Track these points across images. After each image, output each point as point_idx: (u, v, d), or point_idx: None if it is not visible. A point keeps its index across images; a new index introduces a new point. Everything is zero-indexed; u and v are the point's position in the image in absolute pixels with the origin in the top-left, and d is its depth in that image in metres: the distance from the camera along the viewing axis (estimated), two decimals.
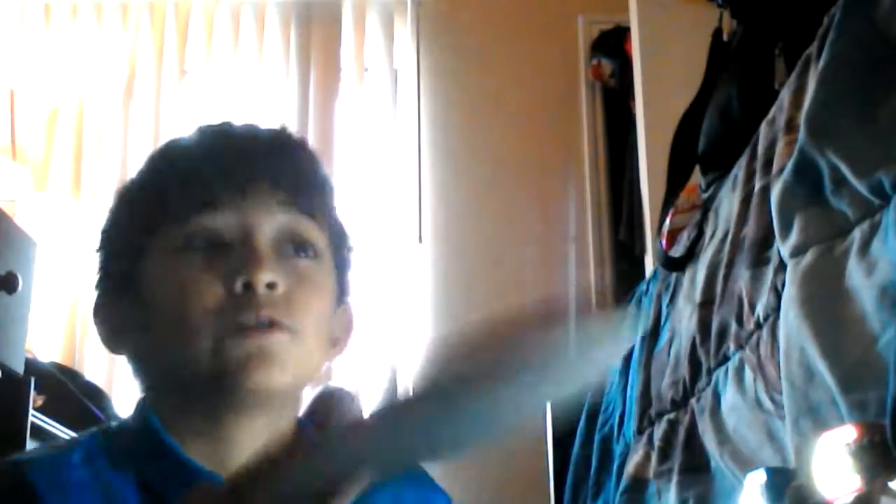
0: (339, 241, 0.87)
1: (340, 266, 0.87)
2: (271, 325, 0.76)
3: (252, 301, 0.76)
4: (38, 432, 1.49)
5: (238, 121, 0.87)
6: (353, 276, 0.90)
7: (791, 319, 0.99)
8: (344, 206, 0.91)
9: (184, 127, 3.32)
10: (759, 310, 1.12)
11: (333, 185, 0.90)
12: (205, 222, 0.79)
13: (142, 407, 0.82)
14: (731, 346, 1.20)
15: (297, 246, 0.81)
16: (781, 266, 1.07)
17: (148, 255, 0.81)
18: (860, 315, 0.88)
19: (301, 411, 0.87)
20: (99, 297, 0.85)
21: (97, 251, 0.85)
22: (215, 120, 0.87)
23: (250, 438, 0.79)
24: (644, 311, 1.71)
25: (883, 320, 0.84)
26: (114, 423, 0.87)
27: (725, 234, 1.33)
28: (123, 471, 0.77)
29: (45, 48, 3.41)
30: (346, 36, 3.50)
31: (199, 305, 0.76)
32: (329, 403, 1.10)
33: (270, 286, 0.77)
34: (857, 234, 0.92)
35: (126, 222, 0.84)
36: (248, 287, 0.76)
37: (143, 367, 0.82)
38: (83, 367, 3.03)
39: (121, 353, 0.83)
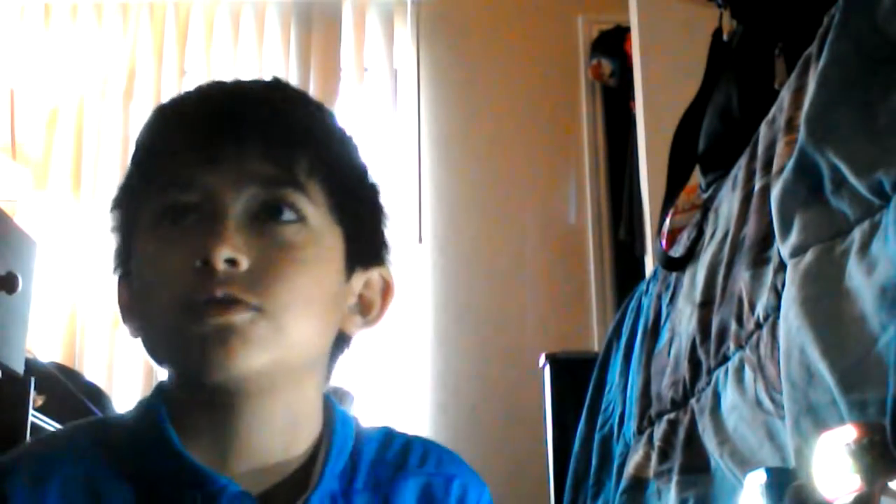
0: (346, 198, 0.80)
1: (353, 226, 0.80)
2: (234, 302, 0.72)
3: (211, 279, 0.72)
4: (37, 432, 1.49)
5: (229, 79, 0.82)
6: (382, 235, 0.84)
7: (791, 319, 0.99)
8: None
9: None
10: (759, 310, 1.12)
11: (341, 138, 0.84)
12: (176, 196, 0.76)
13: (149, 395, 0.80)
14: (731, 346, 1.20)
15: (275, 211, 0.76)
16: (781, 266, 1.06)
17: (138, 229, 0.78)
18: (860, 315, 0.87)
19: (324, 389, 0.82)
20: (117, 278, 0.83)
21: (110, 231, 0.83)
22: (209, 78, 0.84)
23: (249, 428, 0.76)
24: (644, 311, 1.71)
25: (883, 320, 0.84)
26: (117, 415, 0.86)
27: (725, 234, 1.32)
28: (117, 465, 0.75)
29: (45, 48, 3.41)
30: (346, 36, 3.50)
31: (162, 283, 0.74)
32: None
33: (231, 262, 0.72)
34: (857, 234, 0.92)
35: (122, 197, 0.82)
36: (208, 264, 0.72)
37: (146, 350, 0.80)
38: (83, 367, 3.04)
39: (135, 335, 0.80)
